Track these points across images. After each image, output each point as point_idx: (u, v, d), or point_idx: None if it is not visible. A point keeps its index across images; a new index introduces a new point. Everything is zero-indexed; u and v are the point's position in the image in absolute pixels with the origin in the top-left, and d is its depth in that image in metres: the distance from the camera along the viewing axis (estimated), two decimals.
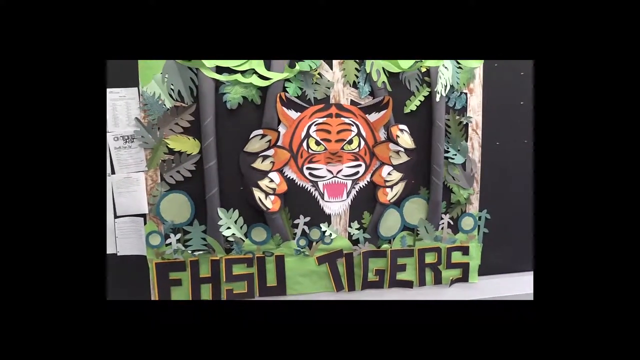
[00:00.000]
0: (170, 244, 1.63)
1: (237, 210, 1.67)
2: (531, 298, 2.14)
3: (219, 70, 1.58)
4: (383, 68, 1.69)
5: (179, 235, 1.64)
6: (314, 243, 1.77)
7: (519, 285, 2.04)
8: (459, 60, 1.77)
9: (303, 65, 1.61)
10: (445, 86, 1.74)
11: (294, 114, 1.66)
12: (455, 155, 1.83)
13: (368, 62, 1.67)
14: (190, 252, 1.65)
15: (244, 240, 1.69)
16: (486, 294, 1.99)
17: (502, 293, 2.01)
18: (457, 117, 1.81)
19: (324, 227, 1.76)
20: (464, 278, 1.95)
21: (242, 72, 1.59)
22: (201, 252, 1.66)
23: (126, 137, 1.57)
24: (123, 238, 1.62)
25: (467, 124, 1.84)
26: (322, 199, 1.75)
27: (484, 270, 1.98)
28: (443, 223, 1.88)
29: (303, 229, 1.75)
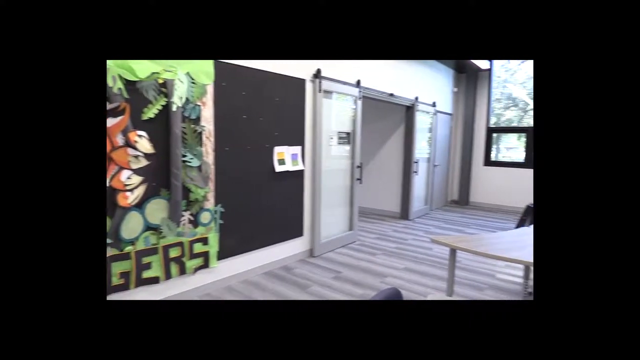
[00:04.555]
0: None
1: None
2: (260, 271, 2.66)
3: None
4: (120, 75, 1.72)
5: None
6: None
7: (248, 263, 2.53)
8: (192, 76, 2.02)
9: None
10: (181, 98, 1.96)
11: None
12: (192, 159, 2.08)
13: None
14: None
15: None
16: (224, 274, 2.37)
17: (236, 271, 2.45)
18: (192, 125, 2.06)
19: None
20: (206, 264, 2.24)
21: None
22: None
23: None
24: None
25: (201, 132, 2.12)
26: None
27: (222, 255, 2.33)
28: (184, 219, 2.10)
29: None
